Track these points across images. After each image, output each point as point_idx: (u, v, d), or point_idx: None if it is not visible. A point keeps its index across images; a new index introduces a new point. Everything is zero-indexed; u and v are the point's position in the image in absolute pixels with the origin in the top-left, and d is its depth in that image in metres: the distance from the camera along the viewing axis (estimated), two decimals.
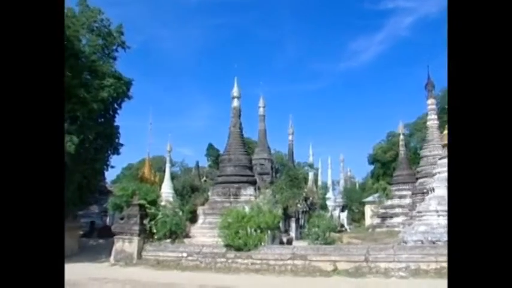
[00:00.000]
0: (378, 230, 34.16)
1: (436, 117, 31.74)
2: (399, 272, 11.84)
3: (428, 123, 32.51)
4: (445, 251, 10.07)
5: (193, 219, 25.46)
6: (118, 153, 20.72)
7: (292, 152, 42.79)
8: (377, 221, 37.17)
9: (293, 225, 28.64)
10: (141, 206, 16.10)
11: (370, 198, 46.99)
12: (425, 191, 22.79)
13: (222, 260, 13.87)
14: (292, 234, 27.50)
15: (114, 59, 19.82)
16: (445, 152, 19.31)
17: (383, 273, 11.91)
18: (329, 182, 55.83)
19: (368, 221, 43.86)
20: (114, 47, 19.71)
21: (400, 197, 36.20)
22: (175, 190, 35.54)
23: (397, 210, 35.52)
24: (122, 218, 16.43)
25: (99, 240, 24.02)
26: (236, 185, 26.00)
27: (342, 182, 61.48)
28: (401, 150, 39.29)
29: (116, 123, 20.41)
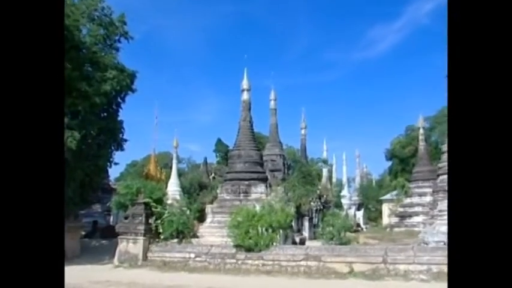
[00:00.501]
0: (396, 229, 33.94)
1: None
2: (420, 274, 11.74)
3: None
4: None
5: (201, 218, 25.46)
6: (122, 149, 20.82)
7: (305, 148, 42.65)
8: (395, 220, 36.91)
9: (306, 224, 28.58)
10: (146, 205, 16.17)
11: (387, 196, 46.71)
12: (447, 188, 22.54)
13: (232, 261, 13.90)
14: (306, 233, 27.48)
15: (117, 50, 19.85)
16: None
17: (402, 276, 11.82)
18: (344, 179, 55.55)
19: (385, 220, 43.62)
20: (117, 38, 19.71)
21: (420, 194, 35.86)
22: (183, 188, 35.68)
23: (416, 208, 35.26)
24: (126, 218, 16.53)
25: (102, 241, 24.16)
26: (246, 182, 25.93)
27: (357, 179, 61.29)
28: (421, 145, 38.79)
29: (119, 118, 20.57)
